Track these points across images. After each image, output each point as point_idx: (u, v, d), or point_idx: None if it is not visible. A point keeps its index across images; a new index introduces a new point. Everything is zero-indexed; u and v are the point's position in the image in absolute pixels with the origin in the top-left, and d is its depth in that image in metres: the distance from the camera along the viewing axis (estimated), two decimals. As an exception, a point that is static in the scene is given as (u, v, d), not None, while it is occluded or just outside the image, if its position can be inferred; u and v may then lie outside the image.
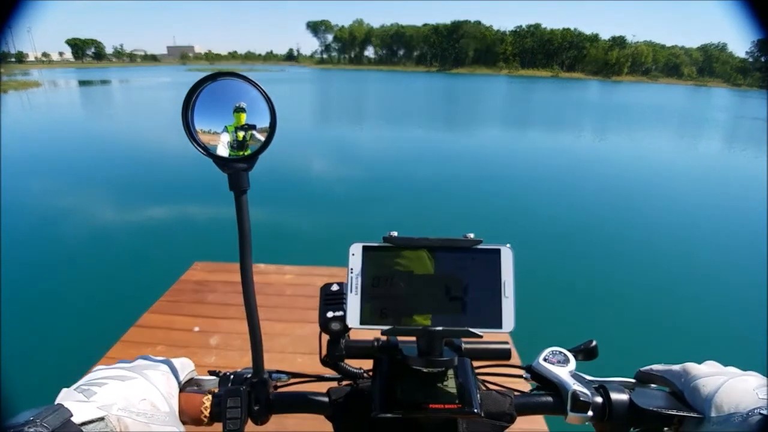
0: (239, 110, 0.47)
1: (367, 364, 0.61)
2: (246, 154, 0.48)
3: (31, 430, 0.35)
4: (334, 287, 0.59)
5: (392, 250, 0.50)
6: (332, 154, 12.47)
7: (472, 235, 0.50)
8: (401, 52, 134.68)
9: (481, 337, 0.49)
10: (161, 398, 0.49)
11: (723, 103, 45.01)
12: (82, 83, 46.91)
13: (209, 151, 0.47)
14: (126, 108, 24.83)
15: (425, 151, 12.66)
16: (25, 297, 4.37)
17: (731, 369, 0.51)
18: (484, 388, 0.63)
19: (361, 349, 0.61)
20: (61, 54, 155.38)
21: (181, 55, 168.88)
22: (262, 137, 0.48)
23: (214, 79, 0.46)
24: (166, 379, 0.52)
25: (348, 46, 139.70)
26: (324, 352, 0.61)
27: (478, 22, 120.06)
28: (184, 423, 0.53)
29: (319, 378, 0.68)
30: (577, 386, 0.54)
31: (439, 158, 11.74)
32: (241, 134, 0.48)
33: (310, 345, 2.40)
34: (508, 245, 0.50)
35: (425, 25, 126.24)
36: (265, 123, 0.48)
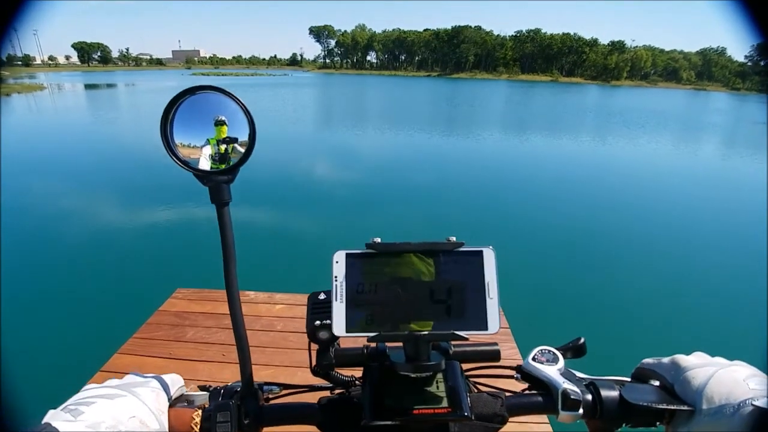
0: (220, 123, 0.47)
1: (360, 371, 0.60)
2: (226, 166, 0.48)
3: None
4: (321, 296, 0.59)
5: (376, 256, 0.50)
6: (328, 159, 12.53)
7: (454, 238, 0.50)
8: (403, 57, 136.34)
9: (467, 339, 0.49)
10: (151, 415, 0.49)
11: (722, 106, 45.47)
12: (88, 86, 47.37)
13: (189, 165, 0.47)
14: (130, 111, 25.12)
15: (421, 156, 12.80)
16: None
17: (719, 359, 0.52)
18: (475, 390, 0.63)
19: (350, 357, 0.61)
20: (67, 57, 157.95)
21: (187, 59, 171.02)
22: (243, 150, 0.48)
23: (192, 92, 0.47)
24: (156, 396, 0.52)
25: (350, 51, 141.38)
26: (314, 362, 0.61)
27: (479, 28, 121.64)
28: None
29: (311, 388, 0.67)
30: (567, 384, 0.54)
31: (435, 163, 11.82)
32: (223, 147, 0.48)
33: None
34: (490, 247, 0.50)
35: (426, 30, 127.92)
36: (245, 135, 0.48)
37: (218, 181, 0.48)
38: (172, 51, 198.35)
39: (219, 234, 0.50)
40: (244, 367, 0.56)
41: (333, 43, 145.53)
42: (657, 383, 0.55)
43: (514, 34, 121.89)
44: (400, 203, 8.12)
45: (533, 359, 0.60)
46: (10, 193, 7.64)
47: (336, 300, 0.49)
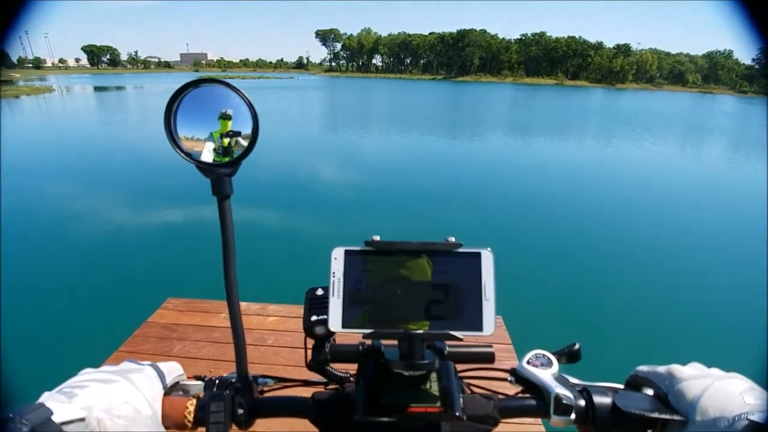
0: (225, 117, 0.47)
1: (354, 368, 0.60)
2: (229, 159, 0.49)
3: (11, 426, 0.35)
4: (319, 291, 0.59)
5: (374, 254, 0.50)
6: (332, 159, 12.73)
7: (452, 239, 0.50)
8: (408, 60, 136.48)
9: (461, 340, 0.49)
10: (144, 402, 0.49)
11: (729, 110, 44.96)
12: (97, 89, 47.94)
13: (192, 157, 0.48)
14: (135, 114, 25.25)
15: (425, 158, 12.87)
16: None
17: (715, 371, 0.51)
18: (468, 391, 0.64)
19: (345, 353, 0.61)
20: (77, 60, 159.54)
21: (194, 62, 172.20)
22: (246, 143, 0.49)
23: (196, 85, 0.47)
24: (151, 383, 0.52)
25: (356, 54, 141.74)
26: (309, 356, 0.62)
27: (484, 31, 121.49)
28: (167, 427, 0.53)
29: (305, 383, 0.68)
30: (560, 389, 0.54)
31: (438, 165, 11.94)
32: (226, 140, 0.48)
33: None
34: (488, 249, 0.51)
35: (431, 33, 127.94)
36: (249, 129, 0.48)
37: (220, 174, 0.48)
38: (180, 54, 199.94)
39: (219, 229, 0.49)
40: (240, 359, 0.56)
41: (339, 46, 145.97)
42: (651, 392, 0.55)
43: (519, 37, 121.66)
44: (402, 204, 8.21)
45: (528, 363, 0.60)
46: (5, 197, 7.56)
47: (333, 296, 0.49)
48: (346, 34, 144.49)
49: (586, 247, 6.43)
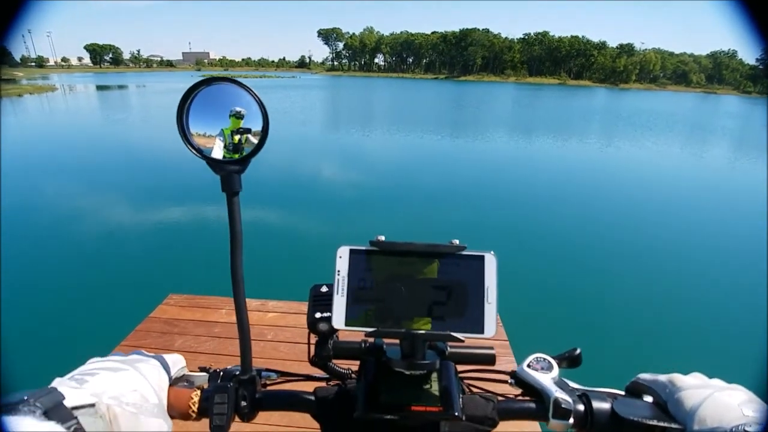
0: (236, 114, 0.48)
1: (356, 365, 0.61)
2: (239, 156, 0.49)
3: (25, 408, 0.36)
4: (324, 288, 0.60)
5: (379, 254, 0.51)
6: (336, 159, 12.80)
7: (457, 241, 0.51)
8: (410, 60, 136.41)
9: (462, 341, 0.50)
10: (151, 391, 0.50)
11: (733, 110, 44.76)
12: (99, 88, 48.06)
13: (203, 153, 0.49)
14: (138, 113, 25.39)
15: (428, 158, 12.90)
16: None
17: (716, 382, 0.51)
18: (468, 392, 0.64)
19: (348, 350, 0.62)
20: (80, 59, 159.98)
21: (197, 61, 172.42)
22: (256, 141, 0.49)
23: (208, 83, 0.48)
24: (158, 373, 0.54)
25: (358, 54, 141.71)
26: (312, 352, 0.63)
27: (487, 30, 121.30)
28: (172, 417, 0.54)
29: (308, 377, 0.69)
30: (559, 393, 0.54)
31: (441, 165, 11.96)
32: (237, 138, 0.49)
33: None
34: (492, 252, 0.51)
35: (434, 32, 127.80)
36: (259, 127, 0.49)
37: (230, 171, 0.49)
38: (183, 53, 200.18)
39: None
40: (244, 352, 0.57)
41: (341, 45, 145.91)
42: (650, 399, 0.55)
43: (522, 36, 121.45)
44: (402, 204, 8.24)
45: (528, 366, 0.61)
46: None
47: (337, 294, 0.50)
48: (348, 33, 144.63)
49: (586, 247, 6.41)
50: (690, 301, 4.95)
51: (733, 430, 0.42)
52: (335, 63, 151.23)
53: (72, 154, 12.68)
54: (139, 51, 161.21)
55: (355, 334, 0.51)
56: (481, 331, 0.49)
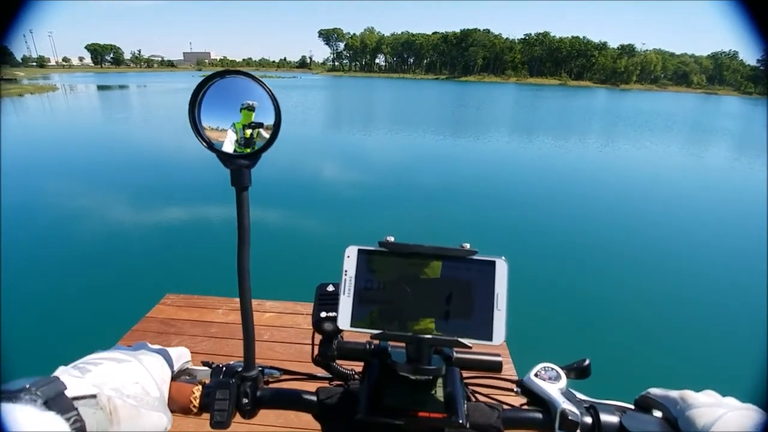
0: (248, 108, 0.48)
1: (360, 366, 0.60)
2: (250, 151, 0.49)
3: (26, 397, 0.35)
4: (330, 288, 0.59)
5: (387, 255, 0.50)
6: (337, 159, 12.82)
7: (468, 245, 0.50)
8: (411, 60, 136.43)
9: (470, 347, 0.49)
10: (153, 384, 0.50)
11: (734, 111, 44.64)
12: (101, 88, 48.00)
13: (213, 146, 0.48)
14: (138, 113, 25.37)
15: (430, 158, 12.92)
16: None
17: (730, 401, 0.49)
18: (473, 399, 0.63)
19: (352, 351, 0.61)
20: (81, 59, 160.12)
21: (198, 61, 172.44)
22: (268, 135, 0.49)
23: (222, 76, 0.47)
24: (161, 366, 0.54)
25: (359, 54, 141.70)
26: (316, 351, 0.62)
27: (488, 31, 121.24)
28: (172, 411, 0.53)
29: (310, 377, 0.68)
30: (566, 404, 0.53)
31: (442, 166, 11.98)
32: (248, 132, 0.48)
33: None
34: (503, 257, 0.50)
35: (435, 33, 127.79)
36: (271, 121, 0.48)
37: (240, 165, 0.48)
38: (183, 53, 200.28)
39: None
40: (248, 348, 0.56)
41: (342, 45, 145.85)
42: (660, 414, 0.54)
43: (522, 37, 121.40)
44: (402, 204, 8.26)
45: (535, 375, 0.59)
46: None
47: (344, 294, 0.50)
48: (349, 33, 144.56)
49: (587, 248, 6.38)
50: (697, 303, 4.89)
51: None
52: (336, 63, 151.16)
53: (72, 153, 12.72)
54: (140, 51, 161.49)
55: (359, 335, 0.51)
56: (490, 338, 0.48)
